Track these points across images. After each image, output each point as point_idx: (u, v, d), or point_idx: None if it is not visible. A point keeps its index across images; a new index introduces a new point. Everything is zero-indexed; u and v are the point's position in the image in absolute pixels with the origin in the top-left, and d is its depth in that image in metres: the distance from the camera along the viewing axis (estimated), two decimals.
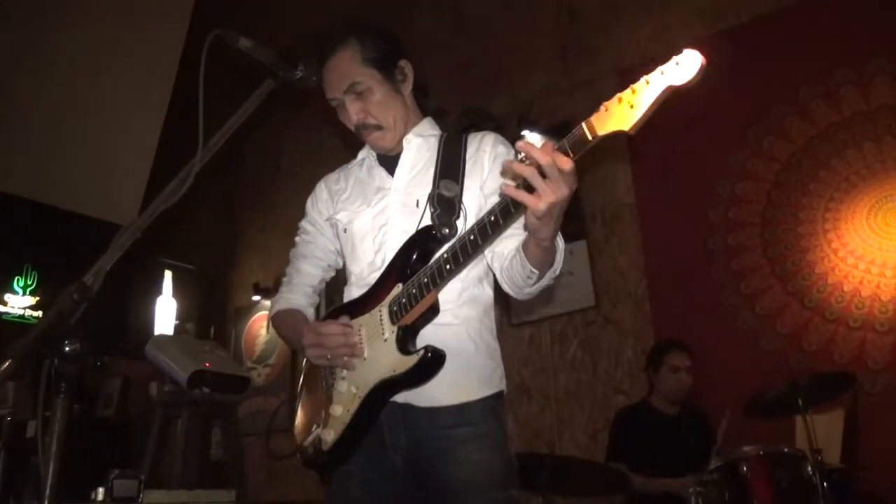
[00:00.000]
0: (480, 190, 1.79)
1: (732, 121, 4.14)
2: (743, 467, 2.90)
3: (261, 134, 6.29)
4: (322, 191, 2.03)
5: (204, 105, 1.44)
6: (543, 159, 1.32)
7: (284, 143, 6.48)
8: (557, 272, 1.64)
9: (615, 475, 3.33)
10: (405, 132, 1.88)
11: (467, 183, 1.79)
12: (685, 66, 1.21)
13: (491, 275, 1.83)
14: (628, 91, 1.27)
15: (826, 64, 3.94)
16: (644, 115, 1.26)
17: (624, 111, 1.27)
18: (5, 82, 4.49)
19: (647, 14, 4.65)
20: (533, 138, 4.86)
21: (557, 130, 4.81)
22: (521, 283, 1.63)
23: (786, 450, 2.98)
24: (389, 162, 1.91)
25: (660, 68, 1.23)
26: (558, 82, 4.94)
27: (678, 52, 1.22)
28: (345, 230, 1.91)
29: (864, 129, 3.81)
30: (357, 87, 1.80)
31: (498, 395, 1.77)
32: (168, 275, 6.39)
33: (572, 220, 4.61)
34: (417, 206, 1.78)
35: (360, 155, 2.00)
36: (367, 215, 1.86)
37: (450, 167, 1.81)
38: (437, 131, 1.93)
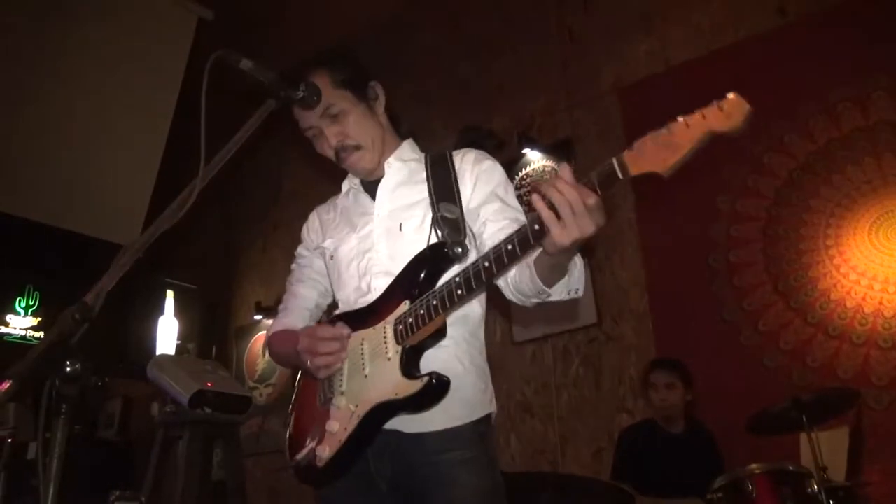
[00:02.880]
0: (468, 207, 1.77)
1: (732, 137, 4.15)
2: (748, 485, 2.87)
3: (263, 154, 6.31)
4: (314, 220, 2.05)
5: (206, 125, 1.45)
6: (569, 193, 1.26)
7: (286, 163, 6.50)
8: (580, 293, 1.57)
9: (619, 493, 3.31)
10: (384, 153, 1.88)
11: (463, 202, 1.77)
12: (730, 113, 1.15)
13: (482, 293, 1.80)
14: (663, 130, 1.20)
15: (824, 80, 3.96)
16: (681, 158, 1.19)
17: (660, 151, 1.21)
18: (7, 102, 4.51)
19: (647, 32, 4.68)
20: (534, 156, 4.89)
21: (558, 148, 4.83)
22: (530, 294, 1.58)
23: (791, 467, 2.96)
24: (372, 187, 1.90)
25: (700, 111, 1.17)
26: (559, 100, 4.97)
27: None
28: (331, 257, 1.91)
29: (863, 144, 3.82)
30: (332, 109, 1.80)
31: (487, 419, 1.72)
32: (170, 294, 6.40)
33: None
34: (400, 230, 1.77)
35: (345, 186, 2.01)
36: (352, 241, 1.86)
37: (444, 189, 1.78)
38: (417, 154, 1.93)
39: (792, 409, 3.03)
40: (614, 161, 1.25)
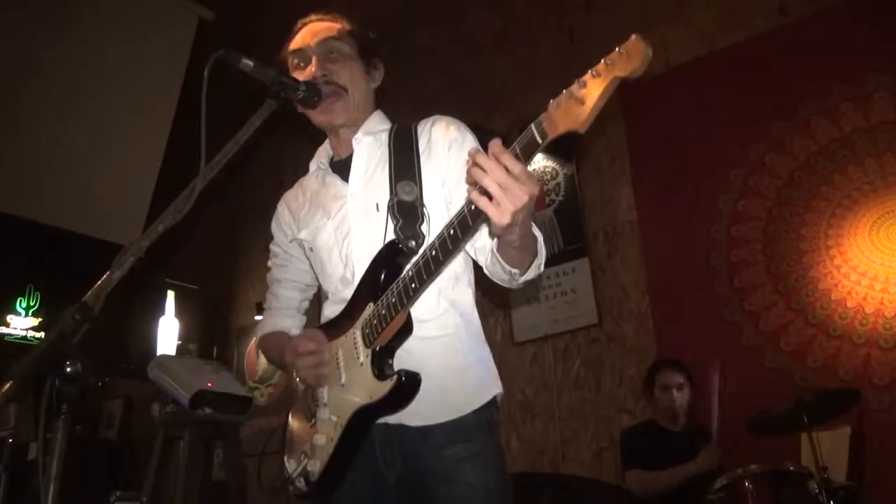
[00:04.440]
0: (442, 185, 1.72)
1: (733, 137, 4.15)
2: (748, 485, 2.88)
3: (263, 154, 6.32)
4: (283, 211, 1.98)
5: (206, 125, 1.45)
6: (492, 170, 1.24)
7: (287, 164, 6.49)
8: (542, 267, 1.55)
9: (620, 494, 3.31)
10: (358, 119, 1.83)
11: (425, 179, 1.71)
12: (630, 56, 1.17)
13: (469, 272, 1.76)
14: (576, 85, 1.21)
15: (825, 80, 3.95)
16: (593, 110, 1.20)
17: (573, 108, 1.21)
18: (7, 103, 4.51)
19: (648, 32, 4.62)
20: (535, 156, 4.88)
21: (559, 147, 4.83)
22: (507, 279, 1.56)
23: (791, 467, 2.96)
24: (342, 167, 1.85)
25: (605, 59, 1.19)
26: None
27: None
28: (311, 248, 1.86)
29: (864, 145, 3.81)
30: (331, 45, 1.78)
31: (492, 403, 1.68)
32: (171, 295, 6.40)
33: (574, 237, 4.62)
34: (378, 209, 1.71)
35: (312, 166, 1.95)
36: (329, 228, 1.80)
37: (404, 166, 1.73)
38: (387, 125, 1.87)
39: (793, 409, 3.03)
40: (533, 127, 1.24)
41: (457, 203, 1.68)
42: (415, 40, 5.67)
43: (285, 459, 1.83)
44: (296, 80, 1.65)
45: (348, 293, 1.72)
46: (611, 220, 4.56)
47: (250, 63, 1.53)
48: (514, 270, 1.50)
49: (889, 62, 3.80)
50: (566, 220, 4.70)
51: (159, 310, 6.33)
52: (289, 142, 6.21)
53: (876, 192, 3.74)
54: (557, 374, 4.52)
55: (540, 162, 4.92)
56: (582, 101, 1.20)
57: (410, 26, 5.70)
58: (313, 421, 1.72)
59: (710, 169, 4.21)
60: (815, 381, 3.60)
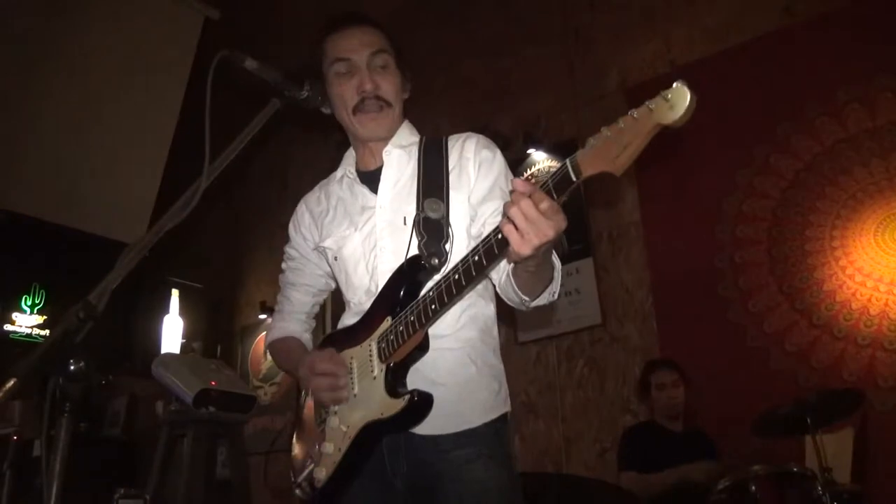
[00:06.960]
0: (468, 202, 1.72)
1: (738, 138, 4.14)
2: (752, 487, 2.87)
3: (268, 153, 6.33)
4: (304, 214, 1.96)
5: (210, 124, 1.45)
6: (520, 202, 1.25)
7: (291, 163, 6.51)
8: (556, 296, 1.57)
9: (623, 495, 3.31)
10: (394, 130, 1.83)
11: (453, 197, 1.71)
12: (674, 104, 1.11)
13: (491, 288, 1.75)
14: (615, 125, 1.18)
15: (831, 81, 3.94)
16: (630, 156, 1.17)
17: (610, 149, 1.18)
18: (13, 101, 4.52)
19: (652, 32, 4.67)
20: (539, 156, 4.89)
21: (563, 148, 4.83)
22: (517, 302, 1.58)
23: (795, 469, 2.95)
24: (370, 178, 1.83)
25: (647, 104, 1.13)
26: (564, 100, 4.96)
27: (668, 83, 1.11)
28: (335, 258, 1.83)
29: (870, 146, 3.80)
30: (382, 58, 1.77)
31: (503, 418, 1.68)
32: (175, 293, 6.42)
33: (578, 237, 4.61)
34: (405, 223, 1.71)
35: (339, 172, 1.92)
36: (355, 239, 1.79)
37: (433, 183, 1.72)
38: (415, 137, 1.86)
39: (797, 410, 3.02)
40: (568, 163, 1.23)
41: (480, 219, 1.70)
42: (421, 40, 5.66)
43: (292, 461, 1.83)
44: (299, 81, 1.64)
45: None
46: (615, 220, 4.55)
47: (255, 63, 1.53)
48: (525, 297, 1.53)
49: (895, 63, 3.78)
50: (570, 220, 4.64)
51: (163, 308, 6.35)
52: (293, 142, 6.24)
53: (881, 193, 3.73)
54: (561, 374, 4.52)
55: (544, 162, 4.91)
56: (619, 145, 1.17)
57: (416, 26, 5.70)
58: (322, 427, 1.72)
59: (715, 169, 4.20)
60: (819, 382, 3.59)
